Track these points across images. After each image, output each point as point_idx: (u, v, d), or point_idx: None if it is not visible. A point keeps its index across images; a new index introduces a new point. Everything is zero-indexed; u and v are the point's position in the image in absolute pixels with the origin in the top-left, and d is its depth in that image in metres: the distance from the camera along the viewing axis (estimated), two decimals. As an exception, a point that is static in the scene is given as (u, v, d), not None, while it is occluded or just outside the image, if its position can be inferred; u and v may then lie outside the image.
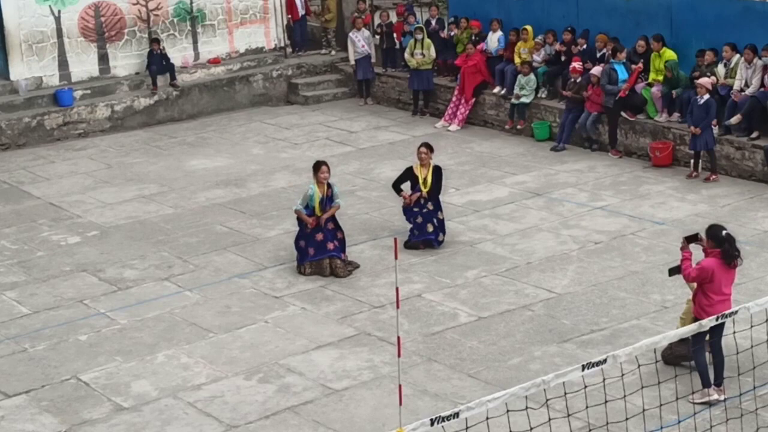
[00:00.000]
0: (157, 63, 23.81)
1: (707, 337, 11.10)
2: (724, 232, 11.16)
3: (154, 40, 23.91)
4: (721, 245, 11.10)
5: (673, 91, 19.26)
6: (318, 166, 15.18)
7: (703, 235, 11.40)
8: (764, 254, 14.94)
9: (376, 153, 20.88)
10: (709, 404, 11.02)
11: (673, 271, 11.63)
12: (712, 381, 11.17)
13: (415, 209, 15.83)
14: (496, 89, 22.23)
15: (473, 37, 22.80)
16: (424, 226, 15.82)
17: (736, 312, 9.63)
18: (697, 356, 11.18)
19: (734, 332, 10.97)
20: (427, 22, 24.09)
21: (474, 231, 16.43)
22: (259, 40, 25.70)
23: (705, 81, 18.10)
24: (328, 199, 15.11)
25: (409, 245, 15.86)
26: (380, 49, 24.78)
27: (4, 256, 16.38)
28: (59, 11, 23.25)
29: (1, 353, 13.16)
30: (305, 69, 25.65)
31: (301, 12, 26.28)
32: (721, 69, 18.83)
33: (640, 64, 19.70)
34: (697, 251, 11.45)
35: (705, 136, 17.94)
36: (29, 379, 12.46)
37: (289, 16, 26.23)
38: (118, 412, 11.66)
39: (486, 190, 18.23)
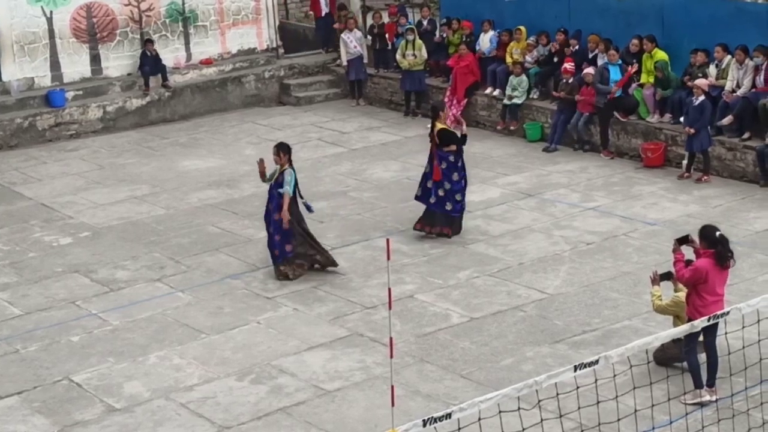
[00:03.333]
0: (150, 64, 23.79)
1: (701, 338, 11.12)
2: (717, 233, 11.16)
3: (148, 41, 23.89)
4: (714, 246, 11.12)
5: (660, 92, 19.27)
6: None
7: (694, 236, 11.42)
8: (756, 255, 14.96)
9: (369, 153, 20.89)
10: (701, 405, 11.04)
11: (663, 277, 11.63)
12: (704, 382, 11.18)
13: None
14: (488, 90, 22.25)
15: (465, 38, 22.83)
16: (444, 202, 16.15)
17: (728, 313, 9.64)
18: (689, 357, 11.19)
19: (726, 333, 11.00)
20: (419, 23, 24.10)
21: (466, 231, 16.42)
22: (251, 41, 25.69)
23: (701, 82, 18.12)
24: (277, 185, 14.74)
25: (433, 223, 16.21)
26: (372, 50, 24.79)
27: (-4, 257, 16.40)
28: (51, 12, 23.22)
29: (-7, 354, 13.17)
30: (297, 70, 25.65)
31: (325, 9, 26.39)
32: (712, 70, 18.86)
33: (635, 66, 19.71)
34: (688, 252, 11.48)
35: (700, 137, 17.96)
36: (21, 380, 12.44)
37: (311, 12, 26.75)
38: (110, 413, 11.65)
39: (478, 191, 18.22)
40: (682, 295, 11.53)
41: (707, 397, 11.11)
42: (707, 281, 11.03)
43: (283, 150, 14.75)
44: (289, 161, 14.76)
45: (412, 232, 16.40)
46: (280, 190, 14.61)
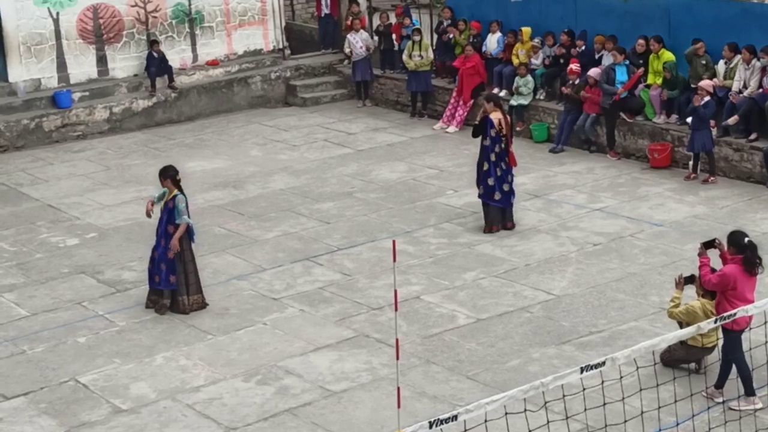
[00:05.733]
0: (156, 65, 23.81)
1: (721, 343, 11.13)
2: (746, 239, 11.04)
3: (155, 42, 23.92)
4: (743, 252, 11.00)
5: (666, 92, 19.25)
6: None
7: (722, 240, 11.33)
8: (762, 256, 14.87)
9: (375, 155, 20.88)
10: (755, 411, 10.91)
11: (688, 280, 11.54)
12: (736, 388, 11.06)
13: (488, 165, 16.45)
14: (494, 91, 22.22)
15: (472, 39, 22.81)
16: (493, 191, 16.37)
17: (735, 314, 9.64)
18: (736, 360, 11.05)
19: (733, 334, 11.00)
20: (440, 23, 23.95)
21: (472, 233, 16.43)
22: (258, 42, 25.70)
23: (706, 84, 18.10)
24: (168, 210, 13.88)
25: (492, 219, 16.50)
26: (379, 51, 24.78)
27: (3, 258, 16.37)
28: (58, 13, 23.24)
29: (0, 355, 13.16)
30: (303, 71, 25.65)
31: (326, 11, 26.44)
32: (721, 67, 18.81)
33: (641, 69, 19.66)
34: (711, 257, 11.43)
35: (703, 137, 17.94)
36: (28, 381, 12.45)
37: (317, 13, 27.02)
38: (117, 414, 11.66)
39: (484, 192, 18.20)
40: (697, 305, 11.46)
41: (759, 404, 10.98)
42: (736, 288, 10.90)
43: (163, 175, 13.89)
44: (177, 185, 13.87)
45: (418, 233, 16.41)
46: (177, 221, 13.80)
